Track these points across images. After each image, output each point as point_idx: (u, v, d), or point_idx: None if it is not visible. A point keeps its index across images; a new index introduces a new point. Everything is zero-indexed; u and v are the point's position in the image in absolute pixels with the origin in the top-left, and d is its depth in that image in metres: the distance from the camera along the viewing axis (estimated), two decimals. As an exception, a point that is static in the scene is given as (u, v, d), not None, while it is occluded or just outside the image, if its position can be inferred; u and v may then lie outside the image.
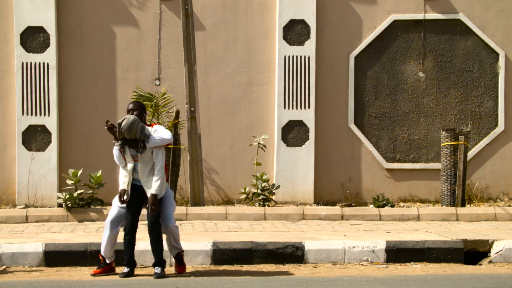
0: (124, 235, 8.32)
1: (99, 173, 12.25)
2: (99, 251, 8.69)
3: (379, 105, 13.76)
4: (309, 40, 13.52)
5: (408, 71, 13.75)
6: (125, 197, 8.29)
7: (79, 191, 12.05)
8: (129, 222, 8.31)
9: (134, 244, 8.38)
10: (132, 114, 8.35)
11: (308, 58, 13.51)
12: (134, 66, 13.58)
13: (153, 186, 8.27)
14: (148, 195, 8.27)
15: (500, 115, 13.75)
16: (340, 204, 13.10)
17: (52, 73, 13.27)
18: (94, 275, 8.40)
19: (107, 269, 8.48)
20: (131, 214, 8.33)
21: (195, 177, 12.43)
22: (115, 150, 8.35)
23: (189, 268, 8.90)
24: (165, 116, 12.74)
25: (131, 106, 8.46)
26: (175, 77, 13.53)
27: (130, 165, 8.32)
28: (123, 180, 8.35)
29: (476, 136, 13.76)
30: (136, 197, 8.35)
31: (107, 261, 8.48)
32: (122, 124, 8.20)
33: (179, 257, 8.52)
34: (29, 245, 9.10)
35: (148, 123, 8.70)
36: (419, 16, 13.72)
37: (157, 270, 8.31)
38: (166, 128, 8.95)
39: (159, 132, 8.32)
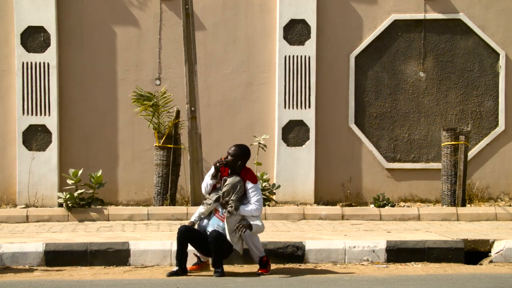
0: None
1: (99, 173, 12.24)
2: (99, 251, 8.71)
3: (380, 105, 13.76)
4: (309, 40, 13.52)
5: (409, 71, 13.74)
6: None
7: (79, 191, 12.04)
8: (184, 227, 8.38)
9: (184, 251, 8.41)
10: (227, 158, 8.37)
11: (309, 58, 13.50)
12: (134, 66, 13.57)
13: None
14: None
15: (501, 114, 13.75)
16: (340, 204, 13.09)
17: (53, 73, 13.26)
18: (190, 271, 8.51)
19: (202, 266, 8.68)
20: (189, 229, 8.41)
21: (195, 177, 12.42)
22: (210, 179, 8.40)
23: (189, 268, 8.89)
24: (166, 116, 12.73)
25: (231, 150, 8.45)
26: (175, 77, 13.53)
27: (214, 205, 8.38)
28: (200, 211, 8.47)
29: (476, 136, 13.75)
30: (201, 235, 8.43)
31: (202, 260, 8.68)
32: (225, 187, 8.28)
33: (261, 261, 8.55)
34: (30, 245, 9.09)
35: (241, 170, 8.48)
36: (420, 16, 13.72)
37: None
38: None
39: (252, 199, 8.32)
